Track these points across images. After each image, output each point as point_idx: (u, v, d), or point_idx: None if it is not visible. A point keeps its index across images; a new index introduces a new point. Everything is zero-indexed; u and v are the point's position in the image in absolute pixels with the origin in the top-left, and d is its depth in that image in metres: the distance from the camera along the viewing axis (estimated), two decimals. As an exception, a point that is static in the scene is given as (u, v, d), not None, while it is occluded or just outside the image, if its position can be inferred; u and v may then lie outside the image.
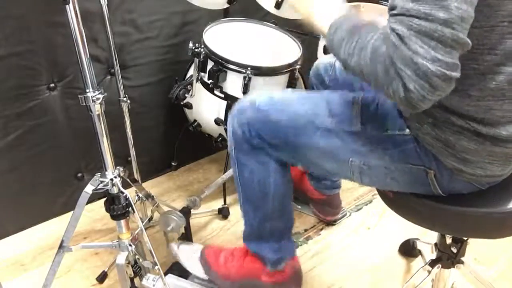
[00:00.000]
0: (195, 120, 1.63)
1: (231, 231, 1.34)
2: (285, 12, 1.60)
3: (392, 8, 0.75)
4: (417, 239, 1.53)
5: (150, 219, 1.52)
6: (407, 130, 0.96)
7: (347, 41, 0.85)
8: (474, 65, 0.83)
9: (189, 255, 1.41)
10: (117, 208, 1.18)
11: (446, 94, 0.75)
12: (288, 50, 1.60)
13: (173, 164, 1.92)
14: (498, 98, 0.85)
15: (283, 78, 1.53)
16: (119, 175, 1.18)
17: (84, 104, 1.07)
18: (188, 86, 1.55)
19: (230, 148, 1.18)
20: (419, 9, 0.71)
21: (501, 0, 0.77)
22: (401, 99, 0.75)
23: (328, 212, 1.71)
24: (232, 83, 1.47)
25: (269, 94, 1.12)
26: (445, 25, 0.70)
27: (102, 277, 1.45)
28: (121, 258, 1.21)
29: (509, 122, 0.88)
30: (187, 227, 1.46)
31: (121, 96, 1.38)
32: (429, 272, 1.24)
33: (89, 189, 1.17)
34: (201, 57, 1.48)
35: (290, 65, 1.49)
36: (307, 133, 1.06)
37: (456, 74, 0.73)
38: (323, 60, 1.40)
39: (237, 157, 1.17)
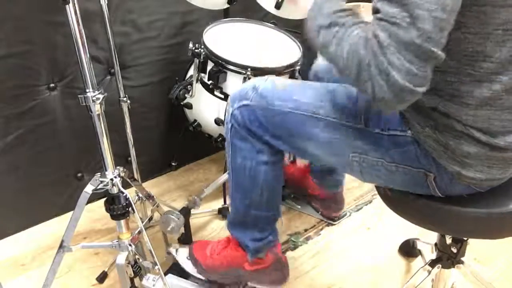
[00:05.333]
0: (195, 120, 1.63)
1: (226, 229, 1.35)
2: (285, 12, 1.60)
3: (376, 11, 0.75)
4: (417, 239, 1.53)
5: (150, 219, 1.52)
6: (409, 132, 0.96)
7: (326, 28, 0.85)
8: (470, 70, 0.83)
9: (187, 258, 1.43)
10: (117, 208, 1.18)
11: (409, 104, 0.77)
12: (288, 50, 1.60)
13: (173, 164, 1.92)
14: (497, 108, 0.85)
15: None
16: (119, 175, 1.18)
17: (84, 104, 1.07)
18: (188, 86, 1.55)
19: (227, 131, 1.16)
20: (401, 17, 0.71)
21: (497, 8, 0.77)
22: (366, 95, 0.78)
23: (331, 208, 1.71)
24: (232, 84, 1.47)
25: (272, 80, 1.11)
26: (422, 37, 0.70)
27: (102, 277, 1.45)
28: (121, 258, 1.21)
29: (508, 132, 0.88)
30: (187, 227, 1.46)
31: (121, 96, 1.38)
32: (429, 272, 1.24)
33: (89, 189, 1.17)
34: (201, 57, 1.48)
35: (290, 65, 1.49)
36: (309, 124, 1.04)
37: (422, 89, 0.74)
38: (321, 64, 1.39)
39: (233, 141, 1.16)
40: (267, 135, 1.11)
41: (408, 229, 1.45)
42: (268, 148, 1.14)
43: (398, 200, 1.06)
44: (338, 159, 1.06)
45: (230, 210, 1.30)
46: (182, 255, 1.43)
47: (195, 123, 1.62)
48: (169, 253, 1.44)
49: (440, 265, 1.23)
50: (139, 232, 1.25)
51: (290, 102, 1.06)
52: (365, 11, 1.71)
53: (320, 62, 1.42)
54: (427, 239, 1.45)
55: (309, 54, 1.59)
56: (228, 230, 1.34)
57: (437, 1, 0.70)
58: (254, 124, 1.10)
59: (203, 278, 1.39)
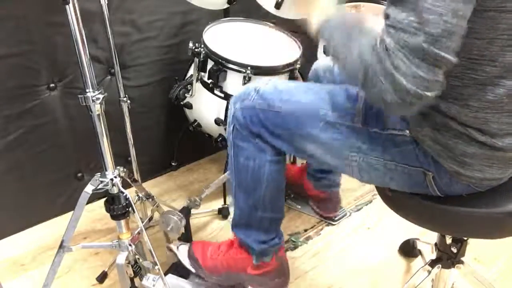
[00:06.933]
0: (195, 120, 1.63)
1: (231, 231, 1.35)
2: (285, 12, 1.60)
3: (386, 16, 0.76)
4: (417, 239, 1.53)
5: (150, 219, 1.52)
6: (407, 131, 0.96)
7: (337, 39, 0.88)
8: (473, 75, 0.83)
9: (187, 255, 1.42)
10: (117, 208, 1.18)
11: (420, 108, 0.78)
12: (288, 50, 1.60)
13: (173, 164, 1.92)
14: (497, 111, 0.86)
15: (283, 78, 1.53)
16: (119, 175, 1.18)
17: (84, 104, 1.07)
18: (188, 86, 1.55)
19: (229, 132, 1.18)
20: (408, 22, 0.72)
21: (503, 13, 0.77)
22: (375, 102, 0.81)
23: (327, 208, 1.72)
24: (232, 82, 1.47)
25: (273, 83, 1.13)
26: (431, 42, 0.71)
27: (102, 277, 1.45)
28: (121, 258, 1.21)
29: (506, 134, 0.88)
30: (187, 227, 1.46)
31: (121, 96, 1.38)
32: (429, 272, 1.24)
33: (89, 189, 1.17)
34: (201, 56, 1.48)
35: (289, 64, 1.49)
36: (309, 124, 1.06)
37: (432, 94, 0.75)
38: (322, 62, 1.40)
39: (235, 141, 1.17)
40: (268, 135, 1.12)
41: (408, 229, 1.45)
42: (270, 147, 1.15)
43: (398, 200, 1.05)
44: (337, 160, 1.07)
45: (234, 211, 1.29)
46: (183, 252, 1.43)
47: (195, 123, 1.62)
48: (170, 249, 1.44)
49: (440, 265, 1.23)
50: (139, 232, 1.25)
51: (290, 103, 1.08)
52: (366, 11, 1.71)
53: (320, 62, 1.42)
54: (427, 239, 1.45)
55: (308, 53, 1.60)
56: (232, 231, 1.34)
57: (448, 6, 0.70)
58: (255, 124, 1.11)
59: (202, 276, 1.39)
